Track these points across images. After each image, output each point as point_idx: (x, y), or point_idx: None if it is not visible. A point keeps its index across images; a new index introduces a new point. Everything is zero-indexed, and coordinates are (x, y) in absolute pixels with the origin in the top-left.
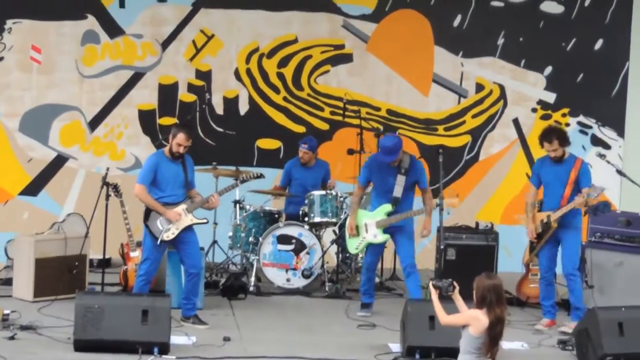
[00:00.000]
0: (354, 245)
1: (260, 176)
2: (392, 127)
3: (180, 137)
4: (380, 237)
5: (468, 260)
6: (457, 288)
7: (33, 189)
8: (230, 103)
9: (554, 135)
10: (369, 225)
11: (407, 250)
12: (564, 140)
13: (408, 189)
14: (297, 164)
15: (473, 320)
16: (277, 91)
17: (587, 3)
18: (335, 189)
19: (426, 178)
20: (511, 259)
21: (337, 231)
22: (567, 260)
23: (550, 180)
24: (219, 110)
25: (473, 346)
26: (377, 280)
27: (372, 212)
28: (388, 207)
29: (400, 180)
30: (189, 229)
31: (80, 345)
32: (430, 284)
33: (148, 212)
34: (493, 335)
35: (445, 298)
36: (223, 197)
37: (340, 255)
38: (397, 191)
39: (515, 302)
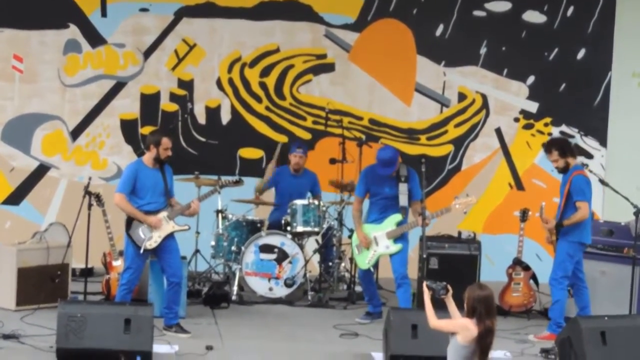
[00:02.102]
0: (365, 260)
1: (239, 182)
2: (375, 136)
3: (166, 141)
4: (392, 247)
5: (451, 269)
6: (451, 292)
7: (15, 198)
8: (213, 112)
9: (553, 146)
10: (379, 237)
11: (401, 260)
12: (563, 151)
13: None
14: (286, 171)
15: (462, 329)
16: (259, 100)
17: (569, 13)
18: (320, 199)
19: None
20: (494, 268)
21: (319, 240)
22: (552, 270)
23: (561, 192)
24: (201, 119)
25: (460, 355)
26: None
27: (379, 224)
28: (398, 217)
29: (403, 188)
30: (170, 237)
31: (63, 354)
32: (424, 285)
33: (130, 221)
34: (483, 346)
35: (438, 301)
36: (206, 207)
37: (323, 265)
38: (403, 200)
39: (498, 312)
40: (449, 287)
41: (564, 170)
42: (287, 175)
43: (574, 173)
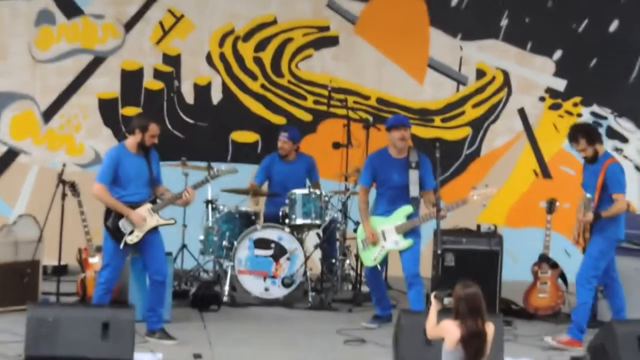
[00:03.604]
0: (371, 257)
1: (234, 171)
2: (383, 117)
3: (154, 128)
4: (402, 242)
5: (469, 267)
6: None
7: None
8: (202, 91)
9: (579, 133)
10: (387, 231)
11: (412, 257)
12: (591, 138)
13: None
14: (276, 159)
15: (444, 332)
16: (254, 78)
17: None
18: (320, 188)
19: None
20: (517, 266)
21: (321, 234)
22: (580, 267)
23: (586, 183)
24: (189, 99)
25: None
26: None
27: (387, 217)
28: (408, 209)
29: (414, 176)
30: (154, 230)
31: None
32: (432, 295)
33: (109, 213)
34: (469, 350)
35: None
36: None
37: (325, 262)
38: (414, 190)
39: (522, 315)
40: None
41: (592, 159)
42: (278, 163)
43: (608, 161)
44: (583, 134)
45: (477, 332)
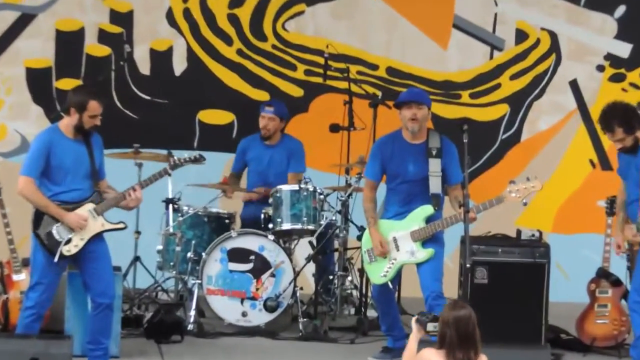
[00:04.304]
0: (379, 272)
1: (199, 159)
2: (395, 92)
3: (94, 106)
4: (420, 254)
5: (506, 284)
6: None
7: None
8: (161, 59)
9: (615, 120)
10: (400, 239)
11: (433, 273)
12: (630, 125)
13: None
14: (256, 141)
15: None
16: (228, 42)
17: None
18: (311, 182)
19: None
20: (569, 284)
21: (314, 243)
22: (632, 285)
23: (626, 176)
24: (144, 69)
25: None
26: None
27: (401, 221)
28: (428, 210)
29: (435, 166)
30: (98, 238)
31: None
32: (414, 320)
33: (39, 216)
34: None
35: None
36: (148, 193)
37: (320, 279)
38: (435, 185)
39: (575, 346)
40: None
41: (633, 149)
42: (257, 146)
43: None
44: (619, 120)
45: None
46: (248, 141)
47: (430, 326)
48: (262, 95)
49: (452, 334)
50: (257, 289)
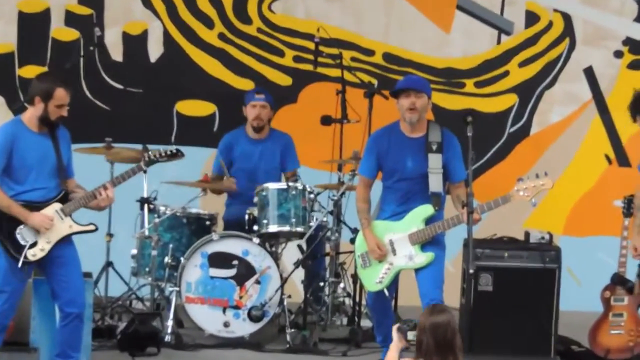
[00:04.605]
0: (374, 278)
1: (177, 154)
2: (392, 81)
3: (60, 94)
4: (419, 257)
5: (513, 292)
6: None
7: None
8: (135, 43)
9: None
10: (398, 242)
11: (432, 279)
12: None
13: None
14: (241, 136)
15: None
16: (209, 25)
17: None
18: (300, 179)
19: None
20: (581, 290)
21: (304, 247)
22: None
23: None
24: (117, 54)
25: None
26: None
27: (398, 222)
28: (427, 210)
29: (435, 162)
30: (66, 242)
31: None
32: (395, 329)
33: (0, 218)
34: None
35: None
36: (122, 193)
37: (310, 286)
38: (435, 183)
39: (588, 359)
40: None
41: None
42: (244, 142)
43: None
44: None
45: None
46: (232, 136)
47: (411, 335)
48: (246, 84)
49: (429, 341)
50: (241, 297)
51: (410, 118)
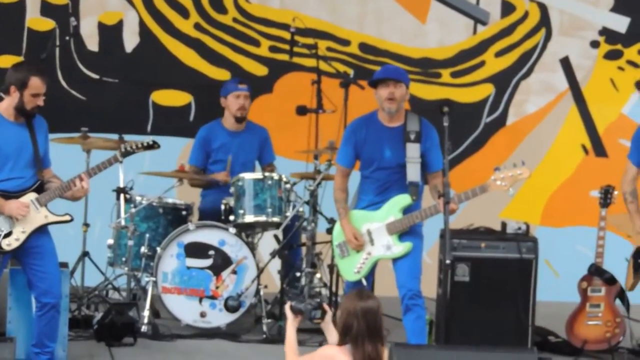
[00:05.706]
0: (352, 268)
1: (153, 145)
2: (368, 71)
3: (36, 83)
4: (397, 247)
5: (490, 282)
6: (329, 314)
7: None
8: (110, 33)
9: None
10: (375, 232)
11: (410, 269)
12: None
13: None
14: (219, 129)
15: None
16: (184, 14)
17: None
18: (276, 169)
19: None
20: (558, 281)
21: (280, 237)
22: None
23: None
24: (92, 44)
25: None
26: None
27: (376, 211)
28: (405, 200)
29: (413, 151)
30: (42, 232)
31: None
32: (287, 307)
33: None
34: None
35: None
36: (98, 183)
37: (286, 276)
38: (413, 173)
39: (565, 350)
40: (326, 307)
41: None
42: (223, 134)
43: None
44: None
45: None
46: (209, 129)
47: (317, 313)
48: (222, 74)
49: (361, 326)
50: (217, 287)
51: (389, 108)
